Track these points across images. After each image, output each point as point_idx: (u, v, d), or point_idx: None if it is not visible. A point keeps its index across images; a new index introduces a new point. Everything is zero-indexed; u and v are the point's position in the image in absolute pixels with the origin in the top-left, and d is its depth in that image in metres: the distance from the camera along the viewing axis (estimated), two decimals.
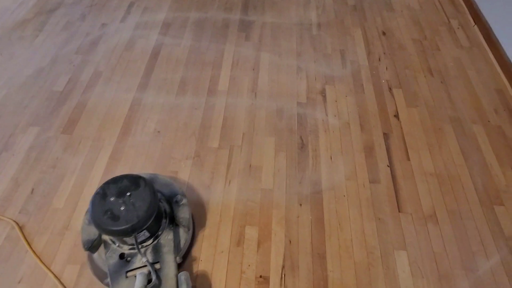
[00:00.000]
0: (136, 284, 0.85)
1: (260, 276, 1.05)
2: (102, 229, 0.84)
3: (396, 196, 1.24)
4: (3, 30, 1.73)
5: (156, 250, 0.95)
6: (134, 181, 0.90)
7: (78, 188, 1.20)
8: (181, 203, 1.03)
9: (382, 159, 1.33)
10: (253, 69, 1.62)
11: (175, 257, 0.94)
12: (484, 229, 1.17)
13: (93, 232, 0.95)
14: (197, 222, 1.14)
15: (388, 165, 1.32)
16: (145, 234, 0.91)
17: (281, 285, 1.03)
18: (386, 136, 1.41)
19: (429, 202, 1.23)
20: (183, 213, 1.01)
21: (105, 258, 0.93)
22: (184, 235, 1.00)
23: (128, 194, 0.88)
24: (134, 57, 1.63)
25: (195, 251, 1.09)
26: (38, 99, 1.44)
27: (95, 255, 0.97)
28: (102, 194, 0.88)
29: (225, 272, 1.05)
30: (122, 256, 0.93)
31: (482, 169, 1.32)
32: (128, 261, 0.92)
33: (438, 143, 1.40)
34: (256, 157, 1.32)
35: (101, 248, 0.96)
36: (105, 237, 0.96)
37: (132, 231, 0.84)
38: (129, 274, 0.90)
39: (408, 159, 1.34)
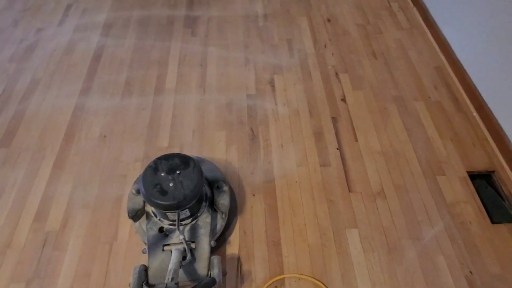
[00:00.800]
0: (172, 258, 0.88)
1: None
2: (150, 201, 0.87)
3: (346, 177, 1.28)
4: None
5: (193, 230, 0.99)
6: (185, 160, 0.94)
7: (19, 202, 1.14)
8: (222, 189, 1.07)
9: (332, 143, 1.37)
10: (201, 64, 1.60)
11: (210, 240, 0.98)
12: (428, 199, 1.24)
13: (138, 202, 1.01)
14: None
15: (337, 148, 1.36)
16: (186, 213, 0.95)
17: (237, 276, 1.04)
18: (334, 120, 1.45)
19: (377, 180, 1.28)
20: (223, 200, 1.05)
21: (146, 229, 0.98)
22: (220, 221, 1.04)
23: (178, 172, 0.91)
24: (75, 61, 1.56)
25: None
26: None
27: (137, 224, 1.02)
28: (154, 168, 0.92)
29: None
30: (161, 229, 0.98)
31: (424, 143, 1.39)
32: (166, 236, 0.97)
33: (384, 122, 1.45)
34: (208, 152, 1.31)
35: (143, 218, 1.02)
36: (148, 209, 1.02)
37: (177, 207, 0.87)
38: (165, 248, 0.95)
39: (356, 140, 1.39)
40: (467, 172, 1.32)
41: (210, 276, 0.90)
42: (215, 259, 0.93)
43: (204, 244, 0.97)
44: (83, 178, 1.21)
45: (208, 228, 0.99)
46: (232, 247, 1.09)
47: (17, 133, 1.31)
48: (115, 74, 1.53)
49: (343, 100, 1.52)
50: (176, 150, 1.30)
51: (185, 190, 0.88)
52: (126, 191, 1.19)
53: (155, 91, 1.48)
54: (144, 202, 1.02)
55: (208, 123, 1.39)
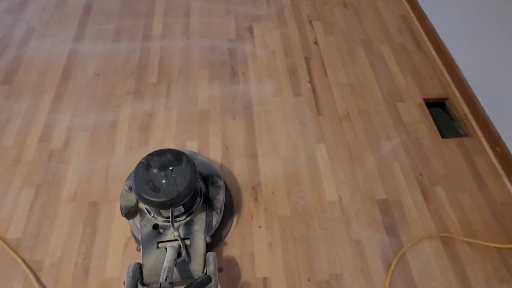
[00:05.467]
0: (167, 256, 0.87)
1: None
2: (142, 198, 0.85)
3: (316, 104, 1.44)
4: None
5: (188, 226, 0.97)
6: (178, 156, 0.91)
7: (25, 127, 1.28)
8: (216, 185, 1.05)
9: (304, 77, 1.53)
10: (185, 15, 1.74)
11: (205, 237, 0.96)
12: (388, 121, 1.41)
13: (131, 199, 0.99)
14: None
15: (309, 81, 1.52)
16: (180, 209, 0.93)
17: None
18: (307, 59, 1.60)
19: (344, 106, 1.44)
20: (218, 195, 1.03)
21: (140, 226, 0.96)
22: (216, 216, 1.03)
23: (170, 168, 0.88)
24: (66, 12, 1.68)
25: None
26: None
27: (131, 221, 1.01)
28: (146, 164, 0.89)
29: None
30: (155, 227, 0.96)
31: (387, 77, 1.56)
32: (161, 233, 0.95)
33: (352, 61, 1.61)
34: (193, 87, 1.46)
35: (137, 216, 1.00)
36: (142, 206, 1.00)
37: (170, 205, 0.85)
38: (160, 245, 0.93)
39: (326, 75, 1.55)
40: (424, 99, 1.49)
41: (206, 273, 0.88)
42: (211, 255, 0.92)
43: (199, 240, 0.95)
44: (81, 107, 1.35)
45: (203, 224, 0.97)
46: (215, 159, 1.25)
47: (17, 73, 1.43)
48: (105, 23, 1.65)
49: (315, 43, 1.67)
50: (163, 86, 1.45)
51: (179, 187, 0.85)
52: (120, 118, 1.33)
53: (143, 38, 1.62)
54: (137, 199, 0.99)
55: (193, 64, 1.54)
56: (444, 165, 1.29)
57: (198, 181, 1.03)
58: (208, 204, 1.03)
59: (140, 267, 0.89)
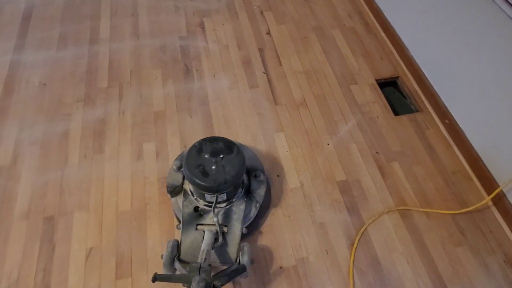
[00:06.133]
0: (205, 239, 0.91)
1: (163, 177, 1.19)
2: (192, 180, 0.89)
3: (273, 94, 1.45)
4: None
5: (227, 214, 1.00)
6: (229, 146, 0.96)
7: None
8: (259, 179, 1.08)
9: (259, 69, 1.53)
10: (132, 15, 1.69)
11: (242, 227, 0.99)
12: (343, 103, 1.45)
13: (178, 179, 1.04)
14: None
15: (264, 72, 1.52)
16: (223, 197, 0.97)
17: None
18: (260, 50, 1.60)
19: (300, 93, 1.46)
20: (259, 189, 1.07)
21: (181, 206, 1.00)
22: (253, 209, 1.05)
23: (221, 156, 0.93)
24: (4, 22, 1.59)
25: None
26: None
27: (173, 199, 1.04)
28: (198, 148, 0.94)
29: None
30: (196, 209, 1.00)
31: (340, 61, 1.59)
32: (201, 216, 0.99)
33: (305, 48, 1.63)
34: (146, 88, 1.43)
35: (180, 195, 1.04)
36: (186, 186, 1.03)
37: (217, 190, 0.90)
38: (199, 227, 0.97)
39: (281, 65, 1.56)
40: (376, 80, 1.54)
41: (239, 262, 0.90)
42: (245, 246, 0.93)
43: (236, 229, 0.98)
44: (28, 120, 1.29)
45: (242, 214, 1.00)
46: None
47: None
48: (48, 30, 1.58)
49: (268, 33, 1.68)
50: (115, 90, 1.41)
51: (227, 175, 0.89)
52: (72, 127, 1.28)
53: (90, 42, 1.56)
54: (183, 179, 1.05)
55: (144, 64, 1.50)
56: (398, 141, 1.34)
57: None
58: (249, 196, 1.06)
59: (178, 244, 0.93)
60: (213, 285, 0.77)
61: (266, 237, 1.09)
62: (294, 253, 1.07)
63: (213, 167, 0.91)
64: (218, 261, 0.94)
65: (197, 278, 0.76)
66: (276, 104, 1.42)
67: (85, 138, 1.26)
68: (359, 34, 1.71)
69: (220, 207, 1.01)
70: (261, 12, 1.77)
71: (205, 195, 0.95)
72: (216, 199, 0.92)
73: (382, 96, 1.48)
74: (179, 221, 1.02)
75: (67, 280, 0.98)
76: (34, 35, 1.56)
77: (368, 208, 1.17)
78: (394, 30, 1.67)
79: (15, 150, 1.21)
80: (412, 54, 1.57)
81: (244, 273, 0.87)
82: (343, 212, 1.16)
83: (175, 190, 1.03)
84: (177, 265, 0.89)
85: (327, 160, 1.28)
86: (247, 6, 1.79)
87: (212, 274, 0.83)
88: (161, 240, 1.06)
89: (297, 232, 1.11)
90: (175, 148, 1.26)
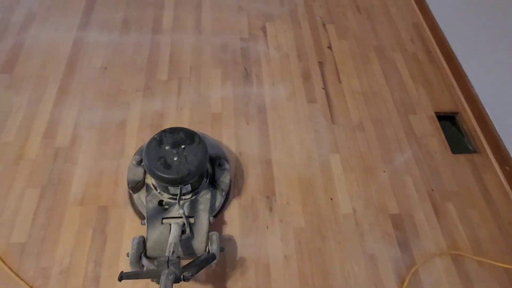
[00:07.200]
0: (172, 232, 0.90)
1: None
2: (153, 174, 0.86)
3: (330, 112, 1.42)
4: None
5: (193, 205, 0.99)
6: (190, 136, 0.93)
7: (27, 122, 1.20)
8: (223, 167, 1.07)
9: (318, 83, 1.50)
10: (196, 9, 1.66)
11: (209, 216, 0.98)
12: (400, 132, 1.41)
13: (139, 174, 1.00)
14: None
15: (323, 88, 1.49)
16: (187, 188, 0.95)
17: (234, 187, 1.18)
18: (320, 64, 1.57)
19: (357, 115, 1.43)
20: (223, 177, 1.05)
21: (145, 201, 0.97)
22: (219, 198, 1.05)
23: (182, 146, 0.90)
24: None
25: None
26: None
27: (135, 196, 1.02)
28: (158, 140, 0.90)
29: None
30: (160, 203, 0.98)
31: (399, 87, 1.55)
32: (166, 209, 0.96)
33: (365, 68, 1.60)
34: (205, 86, 1.41)
35: (142, 191, 1.01)
36: (149, 181, 1.00)
37: (180, 182, 0.87)
38: (164, 221, 0.94)
39: (340, 82, 1.52)
40: (435, 112, 1.50)
41: (208, 252, 0.90)
42: (214, 235, 0.93)
43: (203, 219, 0.97)
44: (88, 103, 1.28)
45: (208, 204, 0.99)
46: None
47: (18, 61, 1.34)
48: (112, 12, 1.57)
49: (329, 47, 1.64)
50: (175, 84, 1.39)
51: (190, 165, 0.87)
52: (130, 116, 1.27)
53: (152, 30, 1.54)
54: (145, 174, 1.01)
55: (205, 61, 1.48)
56: (454, 180, 1.31)
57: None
58: (214, 185, 1.04)
59: (144, 240, 0.90)
60: (183, 276, 0.76)
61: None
62: (342, 282, 1.05)
63: (175, 159, 0.88)
64: (187, 253, 0.93)
65: (166, 271, 0.75)
66: (333, 123, 1.39)
67: (142, 130, 1.25)
68: (421, 61, 1.67)
69: (185, 199, 0.99)
70: (323, 24, 1.73)
71: (169, 188, 0.94)
72: (181, 191, 0.90)
73: (441, 131, 1.44)
74: (143, 217, 0.99)
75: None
76: (99, 15, 1.55)
77: (420, 246, 1.14)
78: (459, 62, 1.62)
79: (74, 132, 1.21)
80: (475, 90, 1.52)
81: (213, 262, 0.87)
82: (394, 246, 1.13)
83: (136, 186, 0.99)
84: (144, 261, 0.87)
85: (380, 189, 1.25)
86: (310, 16, 1.75)
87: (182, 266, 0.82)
88: None
89: (346, 260, 1.09)
90: (230, 154, 1.25)
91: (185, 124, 1.29)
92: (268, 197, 1.17)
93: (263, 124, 1.34)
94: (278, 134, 1.32)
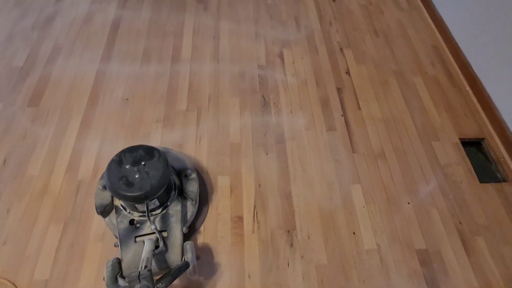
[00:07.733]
0: (145, 248, 0.90)
1: (236, 216, 1.16)
2: (117, 194, 0.87)
3: (350, 140, 1.39)
4: None
5: (164, 219, 1.00)
6: (149, 151, 0.94)
7: (52, 154, 1.23)
8: (190, 177, 1.09)
9: (337, 110, 1.48)
10: (214, 37, 1.69)
11: (182, 227, 0.99)
12: (424, 161, 1.37)
13: (106, 197, 1.01)
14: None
15: (342, 115, 1.47)
16: (155, 203, 0.96)
17: (254, 221, 1.16)
18: (339, 90, 1.56)
19: (378, 143, 1.40)
20: (192, 187, 1.07)
21: (116, 223, 0.98)
22: (191, 208, 1.06)
23: (143, 163, 0.91)
24: (94, 30, 1.64)
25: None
26: None
27: (106, 219, 1.02)
28: (118, 161, 0.91)
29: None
30: (132, 222, 0.99)
31: (421, 113, 1.51)
32: (138, 227, 0.98)
33: (384, 93, 1.57)
34: (223, 115, 1.41)
35: (112, 213, 1.02)
36: (117, 203, 1.02)
37: (145, 198, 0.88)
38: (138, 239, 0.96)
39: (359, 109, 1.50)
40: (459, 138, 1.45)
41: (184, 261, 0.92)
42: (188, 244, 0.95)
43: (176, 231, 0.98)
44: (109, 135, 1.30)
45: (179, 215, 1.01)
46: (248, 197, 1.20)
47: (44, 95, 1.39)
48: (133, 43, 1.61)
49: (347, 73, 1.63)
50: (194, 114, 1.40)
51: (152, 180, 0.88)
52: None
53: (172, 60, 1.57)
54: (112, 197, 1.02)
55: (223, 90, 1.49)
56: (483, 212, 1.25)
57: (172, 175, 1.06)
58: (183, 196, 1.06)
59: (119, 261, 0.91)
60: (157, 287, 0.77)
61: None
62: None
63: (136, 176, 0.89)
64: (165, 266, 0.94)
65: (138, 285, 0.76)
66: (353, 152, 1.36)
67: None
68: (442, 85, 1.63)
69: (155, 214, 1.00)
70: (341, 49, 1.73)
71: (136, 205, 0.94)
72: (147, 207, 0.91)
73: (467, 159, 1.39)
74: (116, 240, 1.00)
75: None
76: (121, 47, 1.59)
77: (449, 285, 1.08)
78: (483, 86, 1.57)
79: (96, 164, 1.23)
80: (502, 115, 1.46)
81: (188, 269, 0.88)
82: (422, 285, 1.08)
83: (105, 210, 1.00)
84: (121, 282, 0.86)
85: (405, 222, 1.20)
86: (327, 41, 1.75)
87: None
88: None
89: None
90: (249, 186, 1.23)
91: (203, 155, 1.29)
92: (288, 231, 1.15)
93: (282, 154, 1.33)
94: (297, 165, 1.30)
